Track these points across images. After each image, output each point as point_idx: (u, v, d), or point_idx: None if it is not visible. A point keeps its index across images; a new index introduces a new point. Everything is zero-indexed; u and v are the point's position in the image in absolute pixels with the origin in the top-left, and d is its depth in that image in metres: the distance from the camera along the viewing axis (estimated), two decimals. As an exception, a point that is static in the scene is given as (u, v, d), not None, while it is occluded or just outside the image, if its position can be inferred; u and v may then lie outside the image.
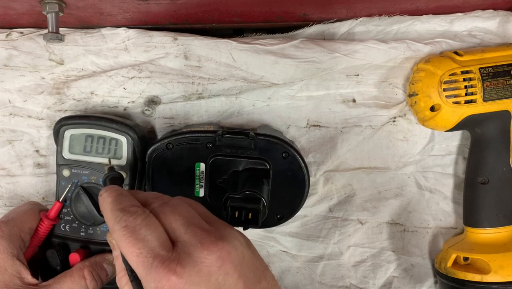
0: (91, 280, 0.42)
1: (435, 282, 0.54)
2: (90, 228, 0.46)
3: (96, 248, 0.46)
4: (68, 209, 0.46)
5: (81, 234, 0.46)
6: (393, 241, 0.54)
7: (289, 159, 0.46)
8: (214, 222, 0.34)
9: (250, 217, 0.43)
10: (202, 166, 0.47)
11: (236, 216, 0.43)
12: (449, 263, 0.49)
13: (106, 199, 0.35)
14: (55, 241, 0.46)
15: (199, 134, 0.46)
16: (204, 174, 0.47)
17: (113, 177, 0.40)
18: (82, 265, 0.43)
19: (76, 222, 0.46)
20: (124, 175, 0.46)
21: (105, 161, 0.45)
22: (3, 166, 0.52)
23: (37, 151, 0.52)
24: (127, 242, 0.31)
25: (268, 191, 0.46)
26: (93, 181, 0.46)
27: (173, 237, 0.32)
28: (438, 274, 0.51)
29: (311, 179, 0.48)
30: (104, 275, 0.44)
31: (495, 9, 0.52)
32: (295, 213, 0.48)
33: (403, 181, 0.54)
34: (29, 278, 0.41)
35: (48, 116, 0.51)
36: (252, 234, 0.53)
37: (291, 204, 0.48)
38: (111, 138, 0.46)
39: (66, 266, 0.44)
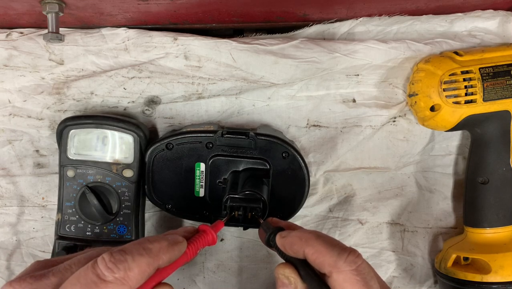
0: None
1: (435, 282, 0.54)
2: (97, 227, 0.46)
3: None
4: (73, 210, 0.46)
5: (87, 233, 0.46)
6: (393, 241, 0.54)
7: (289, 158, 0.46)
8: None
9: (250, 217, 0.43)
10: (202, 166, 0.47)
11: (236, 216, 0.43)
12: (449, 263, 0.49)
13: None
14: (61, 242, 0.46)
15: (199, 134, 0.46)
16: (204, 174, 0.47)
17: None
18: None
19: (82, 222, 0.46)
20: (131, 173, 0.46)
21: (112, 159, 0.46)
22: (3, 166, 0.52)
23: (37, 151, 0.52)
24: None
25: (268, 191, 0.46)
26: (99, 180, 0.46)
27: None
28: (438, 274, 0.51)
29: (311, 179, 0.48)
30: None
31: (495, 9, 0.52)
32: (295, 213, 0.48)
33: (403, 181, 0.54)
34: None
35: (48, 117, 0.51)
36: (252, 234, 0.53)
37: (291, 204, 0.48)
38: (118, 137, 0.46)
39: None
